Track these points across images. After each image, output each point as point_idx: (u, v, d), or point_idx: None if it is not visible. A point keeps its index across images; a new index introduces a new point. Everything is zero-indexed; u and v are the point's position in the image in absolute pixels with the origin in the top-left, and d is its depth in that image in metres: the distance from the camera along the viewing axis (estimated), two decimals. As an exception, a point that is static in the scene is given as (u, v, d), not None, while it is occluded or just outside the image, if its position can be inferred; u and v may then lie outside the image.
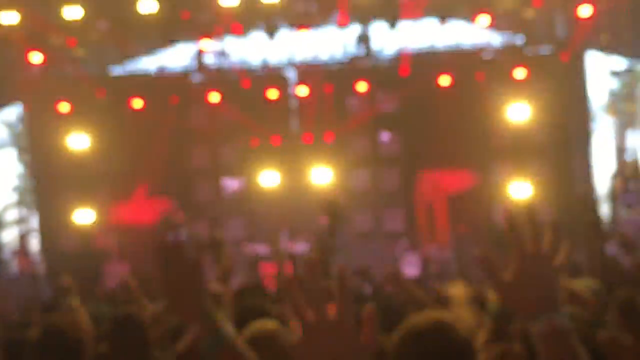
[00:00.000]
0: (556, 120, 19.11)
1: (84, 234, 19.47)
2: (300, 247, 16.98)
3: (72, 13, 17.26)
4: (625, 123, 18.65)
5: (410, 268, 16.79)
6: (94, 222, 19.05)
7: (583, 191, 18.12)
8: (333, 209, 3.71)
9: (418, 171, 19.06)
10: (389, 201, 19.47)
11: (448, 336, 2.35)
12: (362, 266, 13.05)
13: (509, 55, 19.15)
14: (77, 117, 19.36)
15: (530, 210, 1.87)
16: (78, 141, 18.93)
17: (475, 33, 19.47)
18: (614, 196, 18.20)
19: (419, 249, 18.18)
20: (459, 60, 19.13)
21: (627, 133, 18.58)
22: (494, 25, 18.65)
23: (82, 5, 17.18)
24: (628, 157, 18.38)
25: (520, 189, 17.80)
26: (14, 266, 20.15)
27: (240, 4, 16.73)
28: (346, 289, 1.58)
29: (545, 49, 19.46)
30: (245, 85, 19.39)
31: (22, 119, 20.89)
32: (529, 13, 17.69)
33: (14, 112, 21.11)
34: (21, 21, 17.15)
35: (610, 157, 19.02)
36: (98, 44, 19.23)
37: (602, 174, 19.88)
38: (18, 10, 17.06)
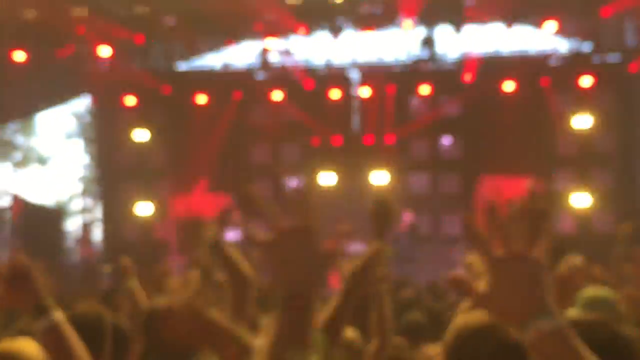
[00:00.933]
0: (621, 130, 18.89)
1: (145, 226, 19.79)
2: (357, 247, 16.89)
3: (140, 8, 17.57)
4: None
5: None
6: (155, 214, 19.32)
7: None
8: (384, 211, 3.59)
9: (479, 176, 18.89)
10: (449, 205, 19.32)
11: (501, 337, 2.29)
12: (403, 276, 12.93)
13: (575, 63, 18.87)
14: (142, 111, 19.77)
15: (491, 211, 1.72)
16: (142, 135, 19.21)
17: (542, 39, 19.21)
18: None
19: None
20: (524, 66, 18.85)
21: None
22: (562, 32, 18.37)
23: (151, 1, 17.47)
24: None
25: (581, 199, 17.60)
26: (77, 254, 20.51)
27: (306, 2, 16.80)
28: (310, 199, 1.71)
29: (613, 57, 19.09)
30: (308, 84, 19.43)
31: (89, 111, 21.24)
32: (598, 20, 17.40)
33: (82, 104, 21.44)
34: (90, 15, 17.53)
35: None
36: (165, 39, 19.50)
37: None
38: (88, 4, 17.44)
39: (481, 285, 1.68)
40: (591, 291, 4.43)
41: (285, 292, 1.67)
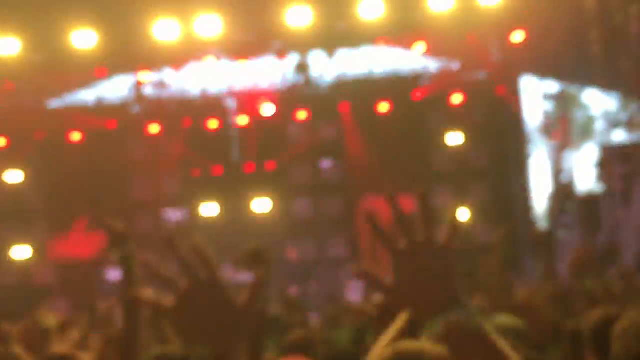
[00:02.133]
0: (493, 143, 19.42)
1: (23, 270, 19.20)
2: (244, 276, 16.78)
3: (8, 48, 16.99)
4: (560, 145, 18.91)
5: (355, 293, 16.77)
6: (32, 257, 18.78)
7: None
8: (259, 258, 3.54)
9: (360, 197, 19.12)
10: (333, 228, 19.47)
11: None
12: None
13: (445, 81, 19.34)
14: (13, 152, 19.14)
15: (394, 204, 1.73)
16: (15, 176, 18.69)
17: (412, 59, 19.64)
18: (552, 217, 18.42)
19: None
20: (397, 86, 19.27)
21: (562, 155, 18.85)
22: (430, 52, 18.86)
23: (18, 38, 16.93)
24: (564, 179, 18.65)
25: (460, 213, 18.01)
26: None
27: (178, 32, 16.64)
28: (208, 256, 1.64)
29: (480, 74, 19.69)
30: (185, 115, 19.28)
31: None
32: (464, 40, 17.89)
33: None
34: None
35: (547, 178, 19.26)
36: (34, 77, 18.96)
37: (540, 195, 20.12)
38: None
39: (388, 279, 1.67)
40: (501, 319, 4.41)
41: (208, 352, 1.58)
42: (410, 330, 3.29)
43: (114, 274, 16.47)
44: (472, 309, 1.64)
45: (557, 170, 18.92)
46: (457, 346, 1.61)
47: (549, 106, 19.22)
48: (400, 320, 3.33)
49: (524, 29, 17.09)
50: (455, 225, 1.72)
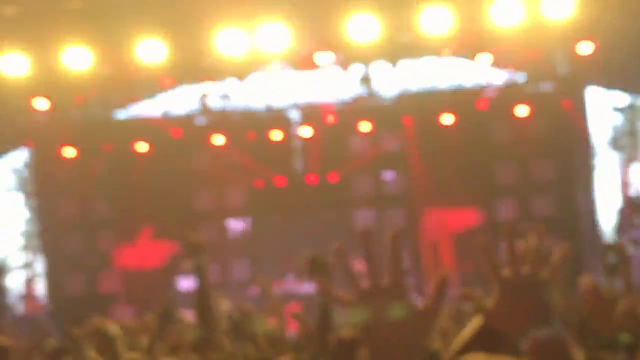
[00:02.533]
0: (559, 156, 19.24)
1: (90, 278, 19.59)
2: (308, 287, 16.85)
3: (78, 62, 17.39)
4: (628, 158, 18.66)
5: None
6: (100, 266, 19.17)
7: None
8: (319, 267, 3.53)
9: (423, 210, 19.08)
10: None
11: None
12: None
13: (510, 93, 19.22)
14: (82, 161, 19.60)
15: (508, 234, 1.88)
16: (83, 185, 19.11)
17: (477, 71, 19.59)
18: (620, 232, 18.14)
19: (425, 288, 18.10)
20: (461, 98, 19.23)
21: (630, 168, 18.60)
22: (496, 64, 18.74)
23: (88, 51, 17.32)
24: (632, 192, 18.39)
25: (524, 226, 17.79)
26: (21, 309, 20.09)
27: (243, 49, 16.83)
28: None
29: (546, 86, 19.53)
30: (249, 126, 19.48)
31: (27, 164, 20.97)
32: (530, 51, 17.77)
33: (20, 157, 21.18)
34: (29, 65, 17.30)
35: (615, 192, 19.00)
36: (102, 89, 19.36)
37: (607, 209, 19.86)
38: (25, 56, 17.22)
39: (490, 302, 1.85)
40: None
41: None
42: (484, 338, 3.27)
43: (184, 283, 16.70)
44: (559, 326, 1.78)
45: (625, 184, 18.64)
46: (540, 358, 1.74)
47: (616, 118, 18.96)
48: (473, 327, 3.32)
49: (592, 40, 16.88)
50: (559, 263, 1.91)
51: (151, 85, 19.34)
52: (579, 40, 16.96)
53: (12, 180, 22.06)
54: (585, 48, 16.99)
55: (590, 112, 19.73)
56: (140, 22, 16.44)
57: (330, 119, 19.36)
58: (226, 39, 16.51)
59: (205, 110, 19.52)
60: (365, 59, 18.04)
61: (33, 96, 17.91)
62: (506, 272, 1.84)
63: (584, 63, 17.84)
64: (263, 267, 18.91)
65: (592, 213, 19.43)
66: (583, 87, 19.30)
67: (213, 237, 19.85)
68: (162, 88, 19.13)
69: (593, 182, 19.68)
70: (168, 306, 9.94)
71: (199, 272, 4.09)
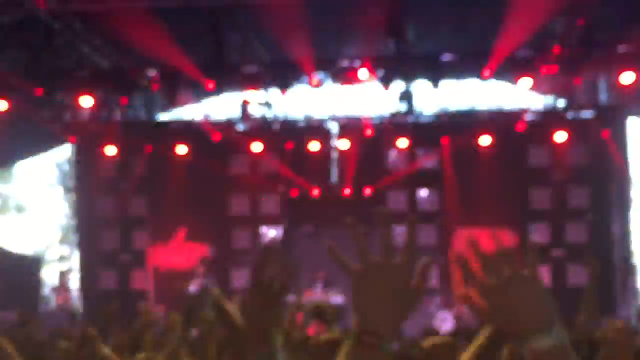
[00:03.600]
0: (596, 184, 19.14)
1: (123, 275, 19.85)
2: (336, 298, 16.92)
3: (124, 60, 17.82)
4: None
5: (444, 324, 16.75)
6: (133, 264, 19.42)
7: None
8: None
9: (454, 228, 19.09)
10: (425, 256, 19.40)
11: None
12: None
13: (550, 118, 19.22)
14: (122, 160, 19.93)
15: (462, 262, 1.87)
16: (122, 183, 19.40)
17: (517, 95, 19.63)
18: None
19: (453, 306, 18.16)
20: (500, 120, 19.27)
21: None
22: (536, 88, 18.75)
23: (132, 53, 17.71)
24: None
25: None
26: (53, 302, 20.41)
27: (286, 55, 17.08)
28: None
29: (587, 114, 19.49)
30: (287, 136, 19.70)
31: (69, 160, 21.36)
32: (572, 78, 17.77)
33: (63, 153, 21.59)
34: (72, 62, 17.74)
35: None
36: (146, 90, 19.69)
37: (641, 240, 19.78)
38: (66, 53, 17.67)
39: (486, 304, 1.82)
40: None
41: (360, 327, 1.70)
42: (491, 347, 3.46)
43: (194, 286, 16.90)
44: (562, 334, 1.76)
45: None
46: None
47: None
48: (482, 337, 3.50)
49: (634, 69, 16.87)
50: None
51: (195, 89, 19.66)
52: (621, 69, 16.96)
53: (54, 175, 22.52)
54: (627, 78, 16.99)
55: (629, 142, 19.67)
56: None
57: (369, 132, 19.45)
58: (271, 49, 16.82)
59: (245, 117, 19.73)
60: (407, 76, 18.15)
61: (80, 94, 18.28)
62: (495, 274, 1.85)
63: (625, 92, 17.82)
64: (294, 277, 19.06)
65: (627, 243, 19.34)
66: (623, 116, 19.25)
67: (245, 244, 20.09)
68: (207, 90, 19.38)
69: (628, 212, 19.57)
70: (192, 306, 10.20)
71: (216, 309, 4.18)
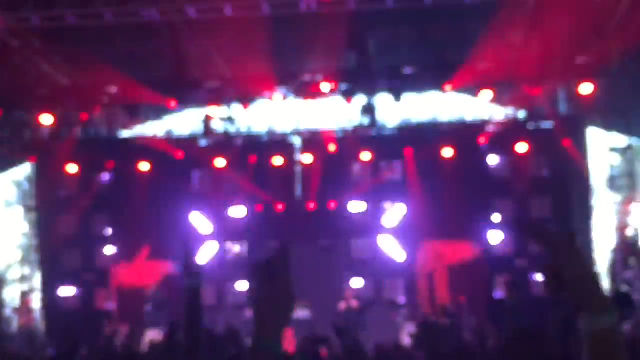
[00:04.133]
0: (557, 194, 19.32)
1: (86, 294, 19.70)
2: (303, 312, 16.90)
3: (85, 77, 17.74)
4: (626, 199, 18.76)
5: (410, 337, 16.77)
6: (95, 283, 19.30)
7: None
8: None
9: (420, 241, 19.17)
10: (390, 270, 19.47)
11: None
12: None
13: (511, 129, 19.40)
14: (84, 178, 19.78)
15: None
16: (84, 202, 19.29)
17: (478, 107, 19.79)
18: (614, 272, 18.25)
19: (419, 318, 18.18)
20: (462, 132, 19.41)
21: (627, 209, 18.69)
22: (497, 100, 18.97)
23: (95, 70, 17.65)
24: (629, 234, 18.45)
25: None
26: (15, 323, 20.15)
27: (248, 70, 17.15)
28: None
29: (547, 124, 19.71)
30: (251, 151, 19.67)
31: (29, 179, 21.13)
32: (532, 90, 18.00)
33: (22, 171, 21.36)
34: (33, 81, 17.63)
35: (611, 233, 19.08)
36: (107, 108, 19.63)
37: (603, 249, 19.94)
38: (28, 72, 17.55)
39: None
40: None
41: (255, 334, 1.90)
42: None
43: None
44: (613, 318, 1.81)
45: (622, 225, 18.77)
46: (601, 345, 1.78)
47: (615, 159, 19.10)
48: None
49: (592, 81, 17.17)
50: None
51: (157, 106, 19.63)
52: (581, 80, 17.26)
53: (13, 194, 22.24)
54: (586, 89, 17.27)
55: (589, 152, 19.87)
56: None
57: (332, 147, 19.52)
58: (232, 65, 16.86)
59: (208, 132, 19.71)
60: (369, 90, 18.29)
61: (40, 112, 18.17)
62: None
63: (585, 103, 18.10)
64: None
65: (589, 252, 19.52)
66: (583, 126, 19.48)
67: (210, 259, 20.03)
68: (168, 108, 19.37)
69: (590, 221, 19.75)
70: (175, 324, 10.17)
71: (191, 293, 4.33)
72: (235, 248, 20.42)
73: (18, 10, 15.30)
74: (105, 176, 20.10)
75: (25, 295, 20.10)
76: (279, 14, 15.30)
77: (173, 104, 18.78)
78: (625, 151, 19.17)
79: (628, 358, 1.80)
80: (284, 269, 1.94)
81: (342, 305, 17.64)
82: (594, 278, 1.85)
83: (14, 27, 16.09)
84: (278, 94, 18.08)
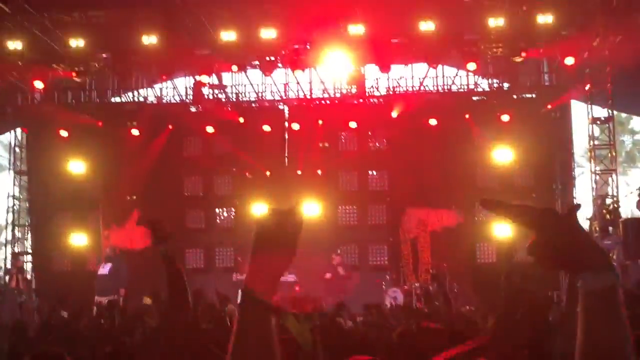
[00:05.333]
0: (540, 163, 19.57)
1: (77, 257, 19.97)
2: (289, 276, 17.14)
3: (76, 43, 17.97)
4: (604, 170, 19.06)
5: (393, 300, 17.16)
6: (87, 246, 19.49)
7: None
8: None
9: (404, 208, 19.51)
10: (375, 236, 19.86)
11: None
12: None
13: (495, 99, 19.74)
14: (75, 143, 19.93)
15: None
16: (75, 166, 19.42)
17: (464, 77, 20.10)
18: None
19: (402, 283, 18.59)
20: (448, 102, 19.68)
21: (607, 180, 18.99)
22: (482, 72, 19.29)
23: (85, 37, 17.87)
24: (607, 203, 18.67)
25: (502, 230, 18.07)
26: (7, 284, 20.45)
27: (238, 37, 17.37)
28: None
29: (530, 96, 20.02)
30: (240, 118, 19.89)
31: (21, 143, 21.36)
32: (517, 61, 18.24)
33: (13, 136, 21.59)
34: (25, 48, 17.81)
35: (591, 202, 19.40)
36: (99, 74, 19.82)
37: (584, 217, 20.23)
38: (22, 39, 17.75)
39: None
40: None
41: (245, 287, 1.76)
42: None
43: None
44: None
45: (601, 194, 19.06)
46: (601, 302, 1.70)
47: (597, 131, 19.41)
48: None
49: (575, 55, 17.51)
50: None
51: (149, 73, 19.82)
52: (564, 54, 17.56)
53: (4, 158, 22.53)
54: (569, 60, 17.59)
55: (572, 123, 20.23)
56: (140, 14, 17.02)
57: (320, 116, 19.80)
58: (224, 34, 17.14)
59: (198, 99, 19.93)
60: (358, 60, 18.50)
61: (32, 79, 18.37)
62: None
63: (569, 75, 18.43)
64: (246, 256, 19.15)
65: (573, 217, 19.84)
66: (566, 98, 19.75)
67: (200, 224, 20.32)
68: (160, 77, 19.55)
69: (572, 189, 20.04)
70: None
71: (166, 259, 4.57)
72: (224, 213, 20.64)
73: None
74: (96, 141, 20.18)
75: (16, 257, 20.34)
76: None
77: (164, 77, 18.98)
78: (605, 123, 19.51)
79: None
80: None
81: (328, 275, 18.10)
82: (587, 238, 1.80)
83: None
84: (267, 63, 18.28)
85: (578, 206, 1.88)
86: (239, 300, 1.77)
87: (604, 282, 1.69)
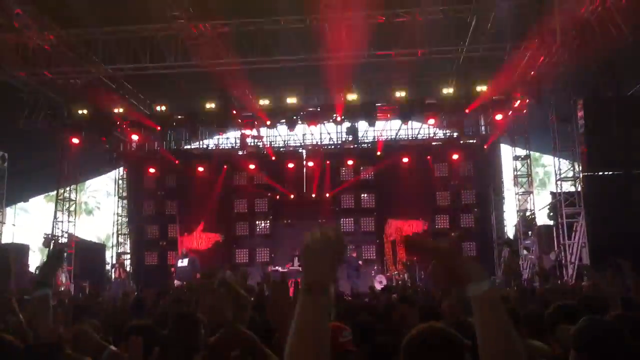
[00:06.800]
0: (480, 187, 19.39)
1: (162, 255, 19.83)
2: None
3: (159, 108, 18.02)
4: (525, 191, 18.94)
5: (380, 284, 16.97)
6: (168, 248, 19.39)
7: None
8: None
9: (386, 219, 19.30)
10: (367, 239, 19.66)
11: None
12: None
13: (448, 144, 19.56)
14: (159, 177, 19.96)
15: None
16: (160, 193, 19.43)
17: (426, 129, 20.01)
18: (517, 239, 18.44)
19: (386, 272, 18.42)
20: (415, 146, 19.54)
21: (526, 199, 18.87)
22: (438, 124, 19.20)
23: (166, 103, 17.92)
24: (526, 215, 18.60)
25: (455, 234, 17.94)
26: (113, 275, 20.35)
27: (271, 103, 17.33)
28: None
29: (473, 141, 19.88)
30: (272, 158, 19.72)
31: (122, 177, 21.42)
32: (463, 115, 18.14)
33: (117, 172, 21.67)
34: (125, 112, 17.85)
35: (515, 214, 19.27)
36: (176, 129, 19.82)
37: (510, 224, 20.10)
38: (123, 106, 17.79)
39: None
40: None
41: (307, 280, 1.55)
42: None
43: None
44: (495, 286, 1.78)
45: (522, 209, 18.93)
46: (489, 311, 1.62)
47: (518, 165, 19.28)
48: None
49: (503, 112, 17.42)
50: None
51: (209, 128, 19.77)
52: (495, 111, 17.46)
53: (112, 187, 22.47)
54: (498, 117, 17.50)
55: (501, 159, 20.09)
56: (202, 85, 16.97)
57: (327, 157, 19.62)
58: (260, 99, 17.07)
59: (244, 146, 19.91)
60: (353, 118, 18.45)
61: (130, 133, 18.40)
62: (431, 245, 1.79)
63: (498, 126, 18.32)
64: (278, 254, 19.17)
65: (501, 227, 19.70)
66: (497, 143, 19.64)
67: (245, 232, 20.19)
68: (218, 130, 19.51)
69: (502, 206, 19.90)
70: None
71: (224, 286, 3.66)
72: (262, 224, 20.50)
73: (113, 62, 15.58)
74: (174, 176, 20.20)
75: (119, 256, 20.26)
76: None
77: (221, 132, 18.88)
78: (523, 159, 19.36)
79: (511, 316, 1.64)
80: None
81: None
82: (468, 260, 1.73)
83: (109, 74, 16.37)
84: (291, 121, 18.22)
85: (461, 236, 1.80)
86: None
87: (483, 287, 1.63)
